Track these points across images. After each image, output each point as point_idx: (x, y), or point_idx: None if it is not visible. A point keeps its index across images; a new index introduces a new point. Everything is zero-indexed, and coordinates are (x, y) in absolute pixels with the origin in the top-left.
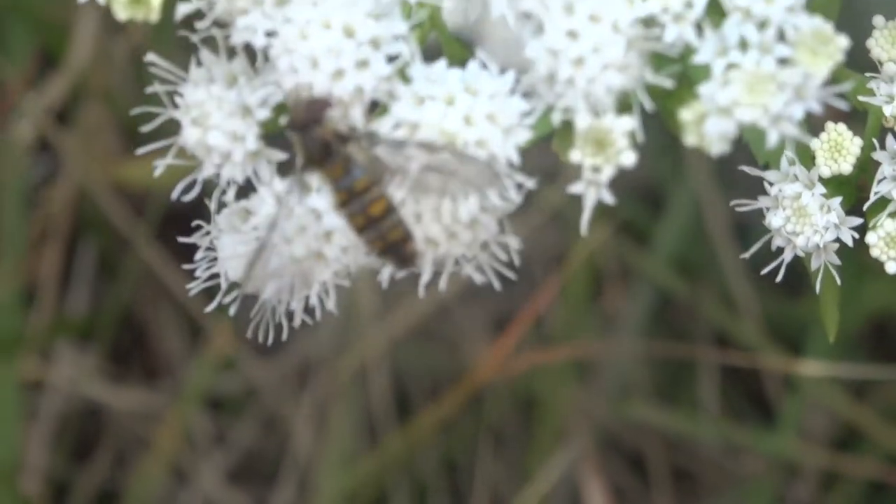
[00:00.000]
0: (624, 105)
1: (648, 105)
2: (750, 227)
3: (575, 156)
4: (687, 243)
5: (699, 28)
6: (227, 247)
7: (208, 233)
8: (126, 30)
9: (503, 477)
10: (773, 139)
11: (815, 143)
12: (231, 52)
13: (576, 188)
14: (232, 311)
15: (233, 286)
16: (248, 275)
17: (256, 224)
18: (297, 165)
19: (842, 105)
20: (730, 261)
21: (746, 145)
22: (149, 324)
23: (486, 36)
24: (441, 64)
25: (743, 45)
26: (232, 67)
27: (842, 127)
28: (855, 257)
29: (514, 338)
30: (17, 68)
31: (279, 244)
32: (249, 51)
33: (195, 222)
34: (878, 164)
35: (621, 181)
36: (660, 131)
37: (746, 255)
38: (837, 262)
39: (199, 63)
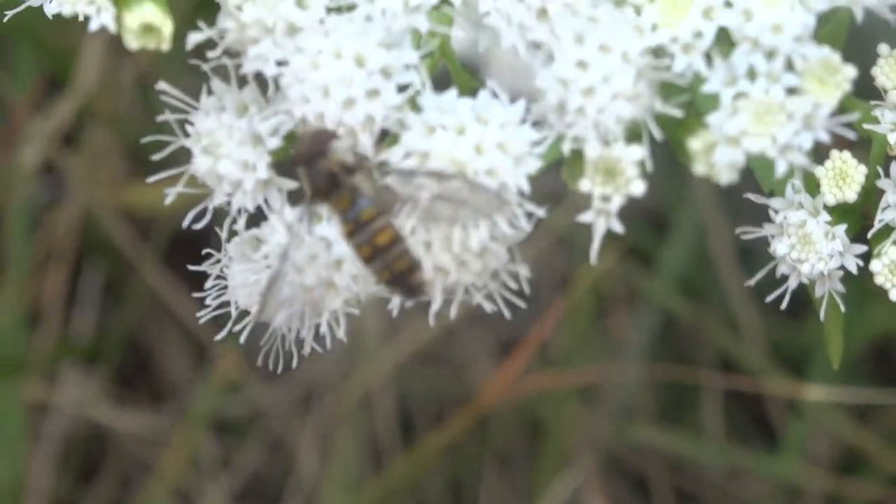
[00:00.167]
0: (633, 134)
1: (658, 134)
2: (754, 252)
3: (585, 185)
4: (691, 267)
5: (708, 58)
6: (238, 275)
7: (218, 261)
8: (132, 54)
9: (508, 500)
10: (781, 169)
11: (819, 171)
12: (242, 81)
13: (585, 217)
14: (242, 338)
15: (243, 314)
16: (261, 308)
17: (267, 252)
18: (305, 198)
19: (848, 133)
20: (734, 285)
21: (751, 171)
22: (154, 347)
23: (491, 62)
24: (451, 93)
25: (752, 74)
26: (243, 96)
27: (846, 155)
28: (857, 281)
29: (520, 362)
30: (24, 92)
31: (290, 273)
32: (260, 79)
33: (205, 250)
34: (882, 191)
35: (626, 206)
36: (664, 157)
37: (751, 282)
38: (842, 289)
39: (210, 92)
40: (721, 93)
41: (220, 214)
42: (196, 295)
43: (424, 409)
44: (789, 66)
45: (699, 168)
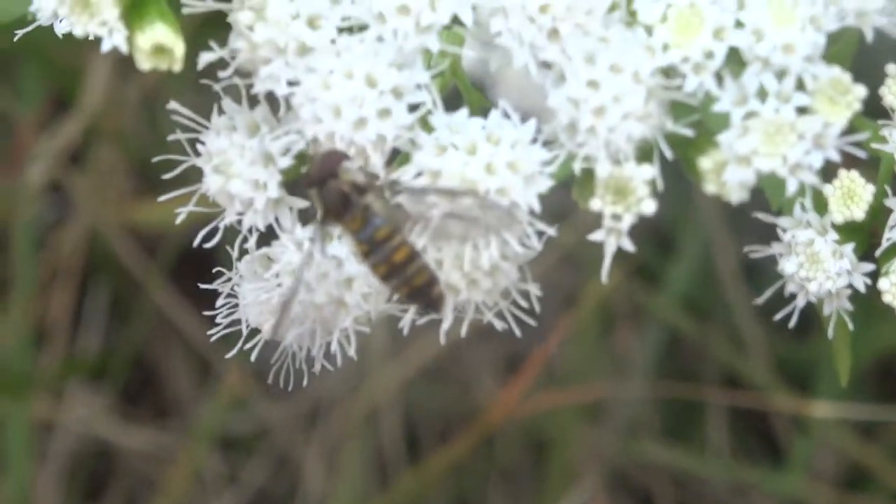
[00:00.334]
0: (644, 153)
1: (668, 153)
2: (759, 269)
3: (595, 204)
4: (697, 285)
5: (719, 78)
6: (249, 294)
7: (229, 279)
8: (139, 73)
9: None
10: (792, 188)
11: (828, 190)
12: (253, 101)
13: (596, 236)
14: (253, 357)
15: (253, 332)
16: (275, 330)
17: (278, 271)
18: (317, 220)
19: (857, 152)
20: (739, 302)
21: (757, 189)
22: (160, 364)
23: (498, 80)
24: (462, 112)
25: (762, 93)
26: (254, 116)
27: (854, 174)
28: (862, 298)
29: (526, 380)
30: (31, 111)
31: (301, 291)
32: (271, 99)
33: (215, 269)
34: (889, 210)
35: (632, 224)
36: (669, 174)
37: (760, 300)
38: (850, 307)
39: (222, 111)
40: (731, 112)
41: (227, 232)
42: (207, 313)
43: (430, 426)
44: (800, 85)
45: (710, 187)
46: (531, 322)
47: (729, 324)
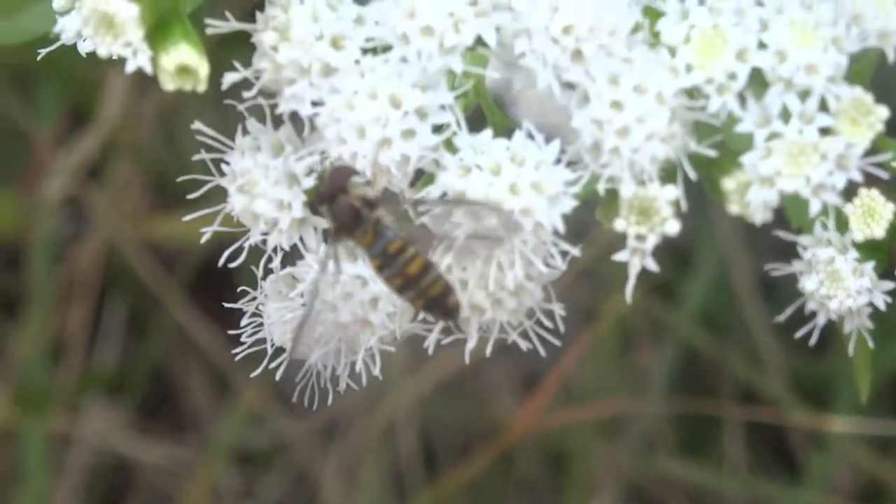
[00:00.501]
0: (667, 174)
1: (692, 174)
2: (776, 284)
3: (619, 224)
4: (714, 301)
5: (742, 98)
6: (273, 313)
7: (254, 298)
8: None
9: None
10: (815, 208)
11: (848, 209)
12: (277, 121)
13: (620, 256)
14: (278, 376)
15: (278, 351)
16: (293, 347)
17: (303, 291)
18: (329, 235)
19: (880, 173)
20: (756, 317)
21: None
22: (177, 378)
23: (519, 100)
24: (487, 133)
25: (785, 114)
26: (278, 136)
27: (875, 192)
28: (879, 315)
29: (544, 396)
30: (48, 126)
31: (324, 311)
32: (295, 119)
33: (240, 288)
34: None
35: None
36: (686, 191)
37: (780, 318)
38: (870, 325)
39: (246, 131)
40: (755, 133)
41: (249, 250)
42: (229, 332)
43: (448, 442)
44: (822, 106)
45: (733, 207)
46: (555, 341)
47: (746, 340)
